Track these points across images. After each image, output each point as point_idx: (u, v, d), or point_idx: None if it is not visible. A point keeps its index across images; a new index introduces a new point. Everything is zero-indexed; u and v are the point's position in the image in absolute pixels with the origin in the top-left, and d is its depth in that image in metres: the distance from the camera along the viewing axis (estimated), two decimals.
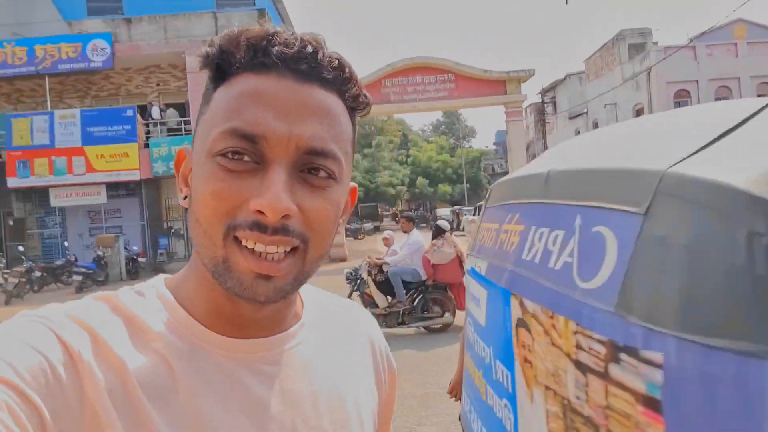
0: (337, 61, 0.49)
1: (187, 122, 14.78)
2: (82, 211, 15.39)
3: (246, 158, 0.45)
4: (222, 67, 0.48)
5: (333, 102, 0.49)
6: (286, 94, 0.46)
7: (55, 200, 14.37)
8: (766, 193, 0.55)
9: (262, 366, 0.52)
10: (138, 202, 15.36)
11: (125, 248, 13.84)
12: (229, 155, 0.45)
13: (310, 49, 0.47)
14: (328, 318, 0.62)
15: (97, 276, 12.32)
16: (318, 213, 0.47)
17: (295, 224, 0.46)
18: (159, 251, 15.89)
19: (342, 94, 0.50)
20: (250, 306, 0.49)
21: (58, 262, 12.99)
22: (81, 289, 11.55)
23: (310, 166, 0.47)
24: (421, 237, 6.96)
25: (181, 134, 14.93)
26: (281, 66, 0.46)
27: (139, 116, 14.52)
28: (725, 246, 0.57)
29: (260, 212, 0.44)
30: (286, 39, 0.47)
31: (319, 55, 0.48)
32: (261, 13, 14.20)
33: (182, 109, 15.43)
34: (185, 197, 0.52)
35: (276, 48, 0.46)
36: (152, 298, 0.51)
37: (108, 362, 0.44)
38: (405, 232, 7.01)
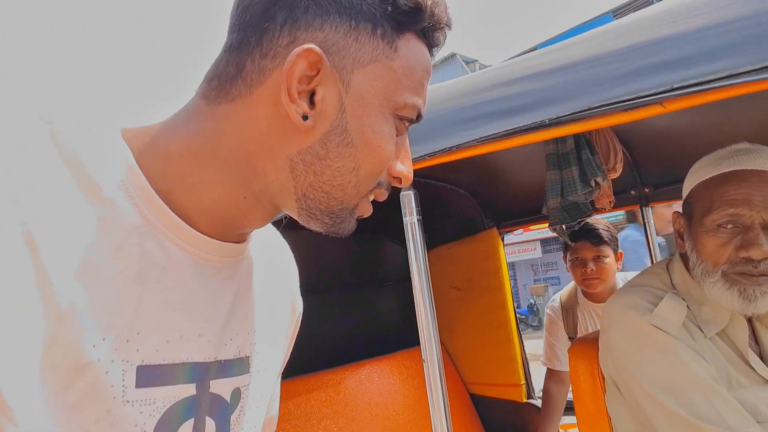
0: None
1: None
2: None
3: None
4: (415, 22, 0.46)
5: None
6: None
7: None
8: None
9: (207, 267, 0.47)
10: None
11: None
12: (407, 123, 0.49)
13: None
14: (264, 246, 0.59)
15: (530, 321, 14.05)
16: None
17: None
18: None
19: None
20: (259, 224, 0.50)
21: None
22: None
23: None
24: None
25: None
26: (435, 50, 0.50)
27: None
28: None
29: (396, 177, 0.49)
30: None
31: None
32: None
33: None
34: (304, 116, 0.43)
35: (446, 34, 0.50)
36: (108, 148, 0.41)
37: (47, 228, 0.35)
38: None
